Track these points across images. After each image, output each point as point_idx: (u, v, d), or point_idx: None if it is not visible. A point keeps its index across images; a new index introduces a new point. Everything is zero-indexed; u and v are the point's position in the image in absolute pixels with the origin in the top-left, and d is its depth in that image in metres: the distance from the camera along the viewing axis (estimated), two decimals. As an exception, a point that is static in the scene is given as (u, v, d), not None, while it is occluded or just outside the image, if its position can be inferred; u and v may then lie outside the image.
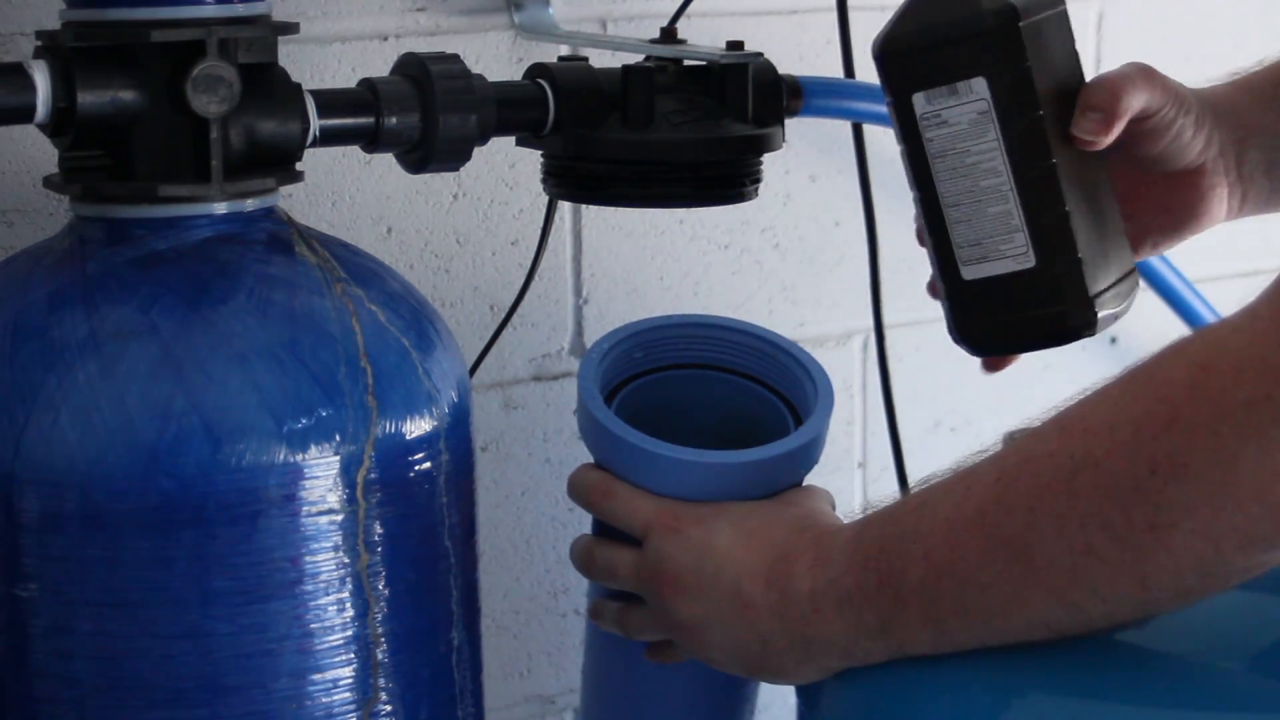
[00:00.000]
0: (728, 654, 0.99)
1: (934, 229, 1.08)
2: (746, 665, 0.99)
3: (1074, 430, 0.87)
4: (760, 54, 1.16)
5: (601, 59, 1.18)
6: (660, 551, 1.01)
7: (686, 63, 1.16)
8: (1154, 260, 1.58)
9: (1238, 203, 1.12)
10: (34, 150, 1.22)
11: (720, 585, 0.98)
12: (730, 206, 1.21)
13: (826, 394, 1.06)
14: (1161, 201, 1.12)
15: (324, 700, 0.96)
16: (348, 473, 0.96)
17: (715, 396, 1.11)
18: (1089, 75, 1.08)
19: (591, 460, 1.07)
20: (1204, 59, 1.73)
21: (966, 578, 0.89)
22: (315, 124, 1.04)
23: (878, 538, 0.94)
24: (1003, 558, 0.88)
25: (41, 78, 0.97)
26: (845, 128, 1.43)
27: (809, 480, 1.06)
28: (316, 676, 0.96)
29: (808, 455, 1.04)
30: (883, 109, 1.41)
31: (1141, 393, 0.85)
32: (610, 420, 1.04)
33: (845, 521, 1.00)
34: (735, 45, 1.16)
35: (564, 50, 1.34)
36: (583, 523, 1.12)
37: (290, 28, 1.04)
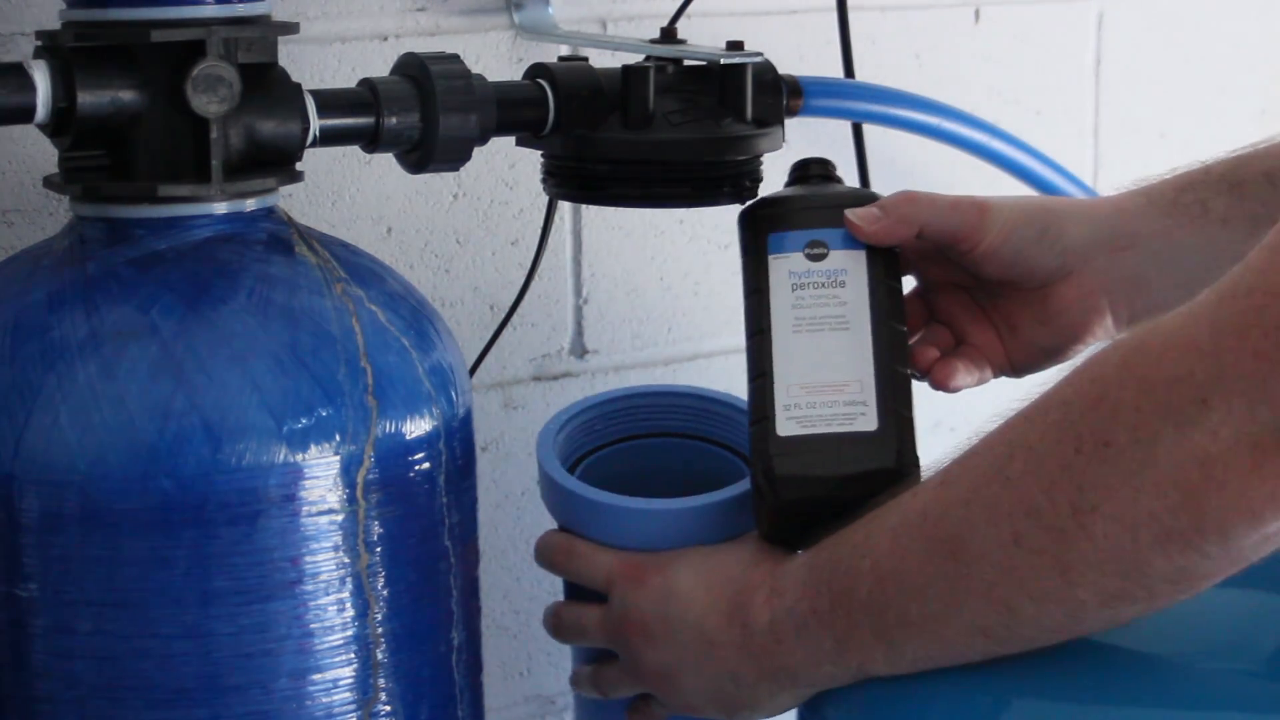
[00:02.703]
0: (702, 697, 1.00)
1: (758, 386, 1.04)
2: (722, 706, 0.99)
3: (1013, 420, 0.87)
4: (760, 54, 1.16)
5: (601, 59, 1.18)
6: (625, 602, 1.02)
7: (686, 63, 1.16)
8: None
9: (1127, 312, 1.09)
10: (34, 150, 1.22)
11: (685, 628, 0.99)
12: (730, 206, 1.21)
13: None
14: (1038, 316, 1.10)
15: (324, 700, 0.96)
16: (348, 473, 0.96)
17: (677, 462, 1.12)
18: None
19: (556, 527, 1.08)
20: (1204, 59, 1.74)
21: (907, 582, 0.90)
22: (315, 124, 1.04)
23: (829, 560, 0.94)
24: (938, 556, 0.88)
25: (41, 78, 0.97)
26: (845, 128, 1.43)
27: None
28: (316, 676, 0.96)
29: None
30: (883, 109, 1.41)
31: (1078, 376, 0.85)
32: (568, 480, 1.06)
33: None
34: (735, 45, 1.16)
35: (564, 50, 1.34)
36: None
37: (290, 28, 1.04)
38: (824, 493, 0.99)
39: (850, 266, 1.06)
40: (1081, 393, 0.84)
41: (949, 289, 1.12)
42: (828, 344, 1.03)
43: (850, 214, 1.06)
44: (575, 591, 1.08)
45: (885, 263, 1.06)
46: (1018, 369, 1.12)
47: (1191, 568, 0.82)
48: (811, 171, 1.12)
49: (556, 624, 1.08)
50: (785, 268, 1.06)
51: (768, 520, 1.01)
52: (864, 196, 1.09)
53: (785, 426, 1.01)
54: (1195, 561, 0.82)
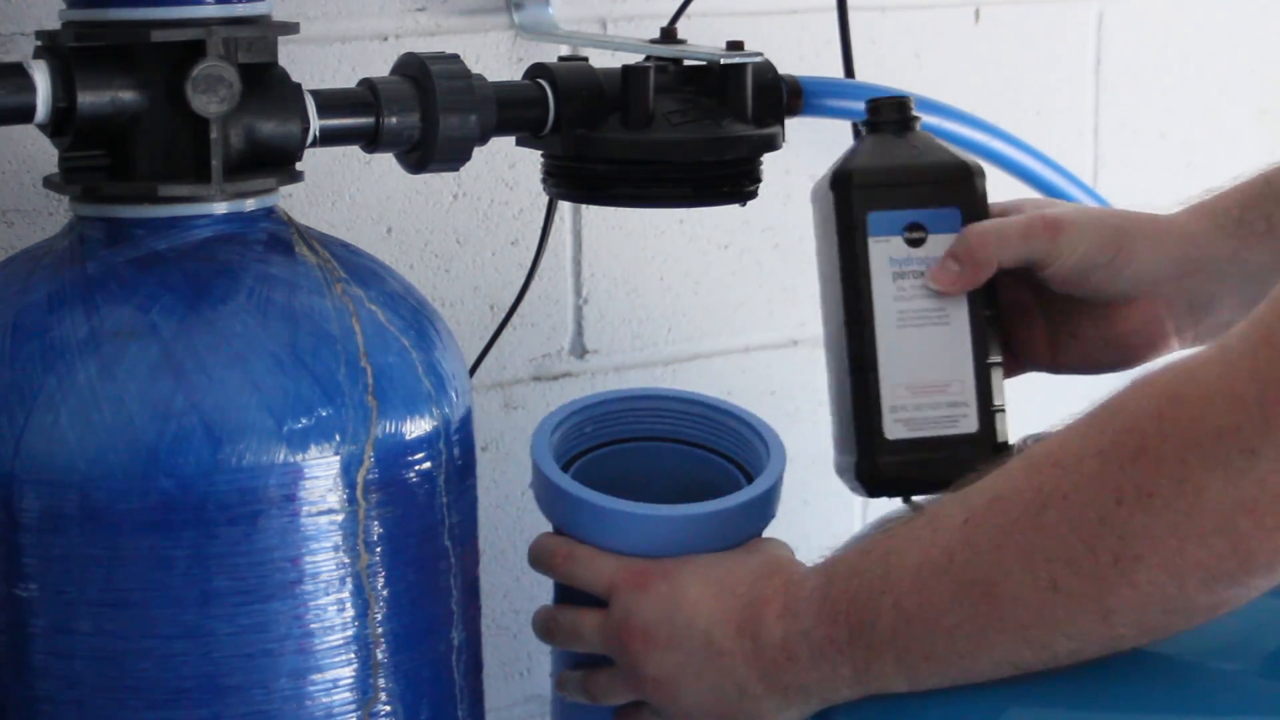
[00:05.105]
0: (703, 706, 0.99)
1: (853, 387, 1.05)
2: (721, 716, 0.99)
3: (1042, 466, 0.87)
4: (760, 54, 1.16)
5: (601, 59, 1.18)
6: (628, 608, 1.01)
7: (686, 63, 1.16)
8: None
9: (1192, 332, 1.10)
10: (34, 150, 1.22)
11: (692, 635, 0.99)
12: (730, 206, 1.21)
13: (779, 451, 1.07)
14: (1102, 334, 1.10)
15: (324, 700, 0.96)
16: (348, 473, 0.96)
17: (668, 467, 1.12)
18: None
19: (550, 529, 1.08)
20: (1204, 59, 1.74)
21: (934, 623, 0.90)
22: (315, 124, 1.04)
23: (845, 590, 0.94)
24: (969, 599, 0.88)
25: (41, 78, 0.97)
26: (845, 128, 1.43)
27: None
28: (316, 676, 0.96)
29: (766, 507, 1.05)
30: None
31: (1109, 425, 0.85)
32: (568, 484, 1.05)
33: (807, 568, 1.00)
34: (735, 45, 1.16)
35: (564, 50, 1.34)
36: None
37: (290, 28, 1.04)
38: (924, 490, 1.04)
39: (948, 244, 1.06)
40: (1118, 444, 0.83)
41: (1008, 281, 1.11)
42: (930, 341, 1.05)
43: (930, 278, 1.05)
44: (567, 594, 1.08)
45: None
46: (1060, 370, 1.13)
47: (1235, 598, 0.84)
48: (884, 117, 1.10)
49: (551, 627, 1.07)
50: (885, 253, 1.06)
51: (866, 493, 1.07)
52: (955, 167, 1.07)
53: (893, 429, 1.04)
54: (1240, 594, 0.83)
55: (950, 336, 1.05)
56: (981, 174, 1.08)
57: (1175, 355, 0.87)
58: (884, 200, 1.06)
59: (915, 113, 1.10)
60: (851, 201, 1.06)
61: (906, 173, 1.07)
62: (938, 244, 1.06)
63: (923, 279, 1.05)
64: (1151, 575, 0.83)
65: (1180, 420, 0.81)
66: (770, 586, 0.98)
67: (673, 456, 1.12)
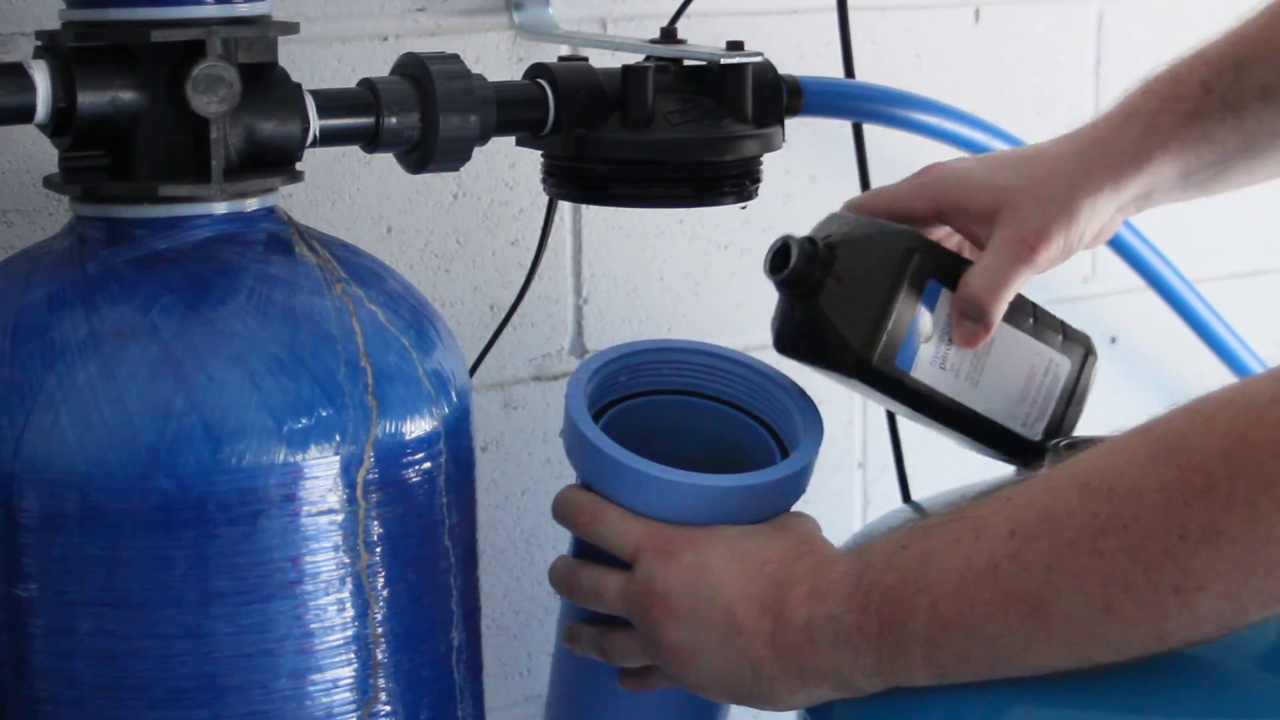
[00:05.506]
0: (717, 680, 0.99)
1: (984, 438, 1.12)
2: (736, 692, 0.99)
3: (1096, 490, 0.87)
4: (760, 54, 1.16)
5: (601, 59, 1.18)
6: (652, 574, 1.00)
7: (686, 63, 1.16)
8: (1154, 260, 1.59)
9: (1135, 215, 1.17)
10: (34, 150, 1.22)
11: (714, 609, 0.98)
12: (730, 206, 1.21)
13: (815, 422, 1.07)
14: None
15: (324, 700, 0.96)
16: (348, 473, 0.96)
17: (699, 423, 1.11)
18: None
19: (576, 481, 1.07)
20: (1204, 59, 1.73)
21: (975, 629, 0.90)
22: (315, 124, 1.04)
23: (879, 582, 0.93)
24: (1015, 612, 0.88)
25: (41, 78, 0.97)
26: (845, 128, 1.43)
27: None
28: (316, 676, 0.96)
29: (799, 482, 1.05)
30: (883, 109, 1.41)
31: (1171, 459, 0.85)
32: (602, 440, 1.03)
33: (837, 550, 1.00)
34: (735, 45, 1.16)
35: (564, 50, 1.34)
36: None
37: (290, 28, 1.04)
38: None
39: (949, 303, 1.09)
40: (1184, 481, 0.84)
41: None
42: (1000, 365, 1.11)
43: (960, 343, 1.09)
44: (588, 549, 1.06)
45: (955, 267, 1.10)
46: None
47: None
48: (812, 277, 1.09)
49: (570, 583, 1.06)
50: (925, 366, 1.09)
51: None
52: (902, 255, 1.08)
53: (1033, 431, 1.12)
54: None
55: (1008, 344, 1.11)
56: (911, 230, 1.10)
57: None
58: (894, 343, 1.07)
59: (821, 241, 1.10)
60: (881, 374, 1.08)
61: (883, 302, 1.07)
62: (943, 310, 1.09)
63: (955, 347, 1.09)
64: (1213, 604, 0.84)
65: (1250, 463, 0.82)
66: (800, 567, 0.97)
67: (706, 413, 1.11)
